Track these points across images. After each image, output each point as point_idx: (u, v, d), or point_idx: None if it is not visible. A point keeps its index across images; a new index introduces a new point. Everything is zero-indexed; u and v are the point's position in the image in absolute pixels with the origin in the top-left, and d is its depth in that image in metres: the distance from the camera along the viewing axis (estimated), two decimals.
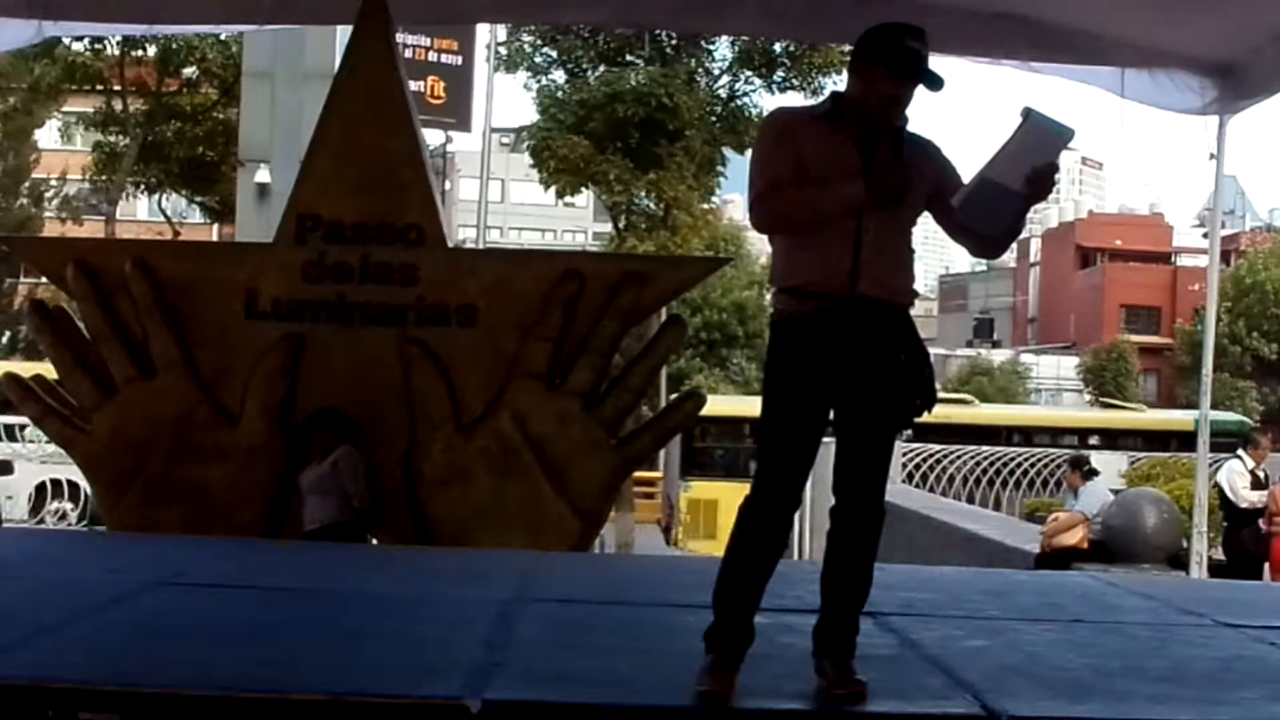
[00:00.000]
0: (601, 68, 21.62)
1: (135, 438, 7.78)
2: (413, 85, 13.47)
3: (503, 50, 22.71)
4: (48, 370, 8.38)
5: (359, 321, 7.86)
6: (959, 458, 20.83)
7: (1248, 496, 11.67)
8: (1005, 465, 20.64)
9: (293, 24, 12.69)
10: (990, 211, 3.73)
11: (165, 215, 26.97)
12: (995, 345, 64.75)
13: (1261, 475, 11.88)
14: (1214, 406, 10.26)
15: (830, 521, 3.91)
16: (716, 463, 23.87)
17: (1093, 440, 24.35)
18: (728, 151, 22.71)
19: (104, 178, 25.06)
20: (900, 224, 3.86)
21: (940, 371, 59.87)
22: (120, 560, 6.27)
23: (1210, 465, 10.14)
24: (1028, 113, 3.66)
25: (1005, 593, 6.14)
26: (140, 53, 22.68)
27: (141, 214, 34.79)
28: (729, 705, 3.72)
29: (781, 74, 21.63)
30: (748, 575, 3.84)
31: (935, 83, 3.78)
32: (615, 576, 7.00)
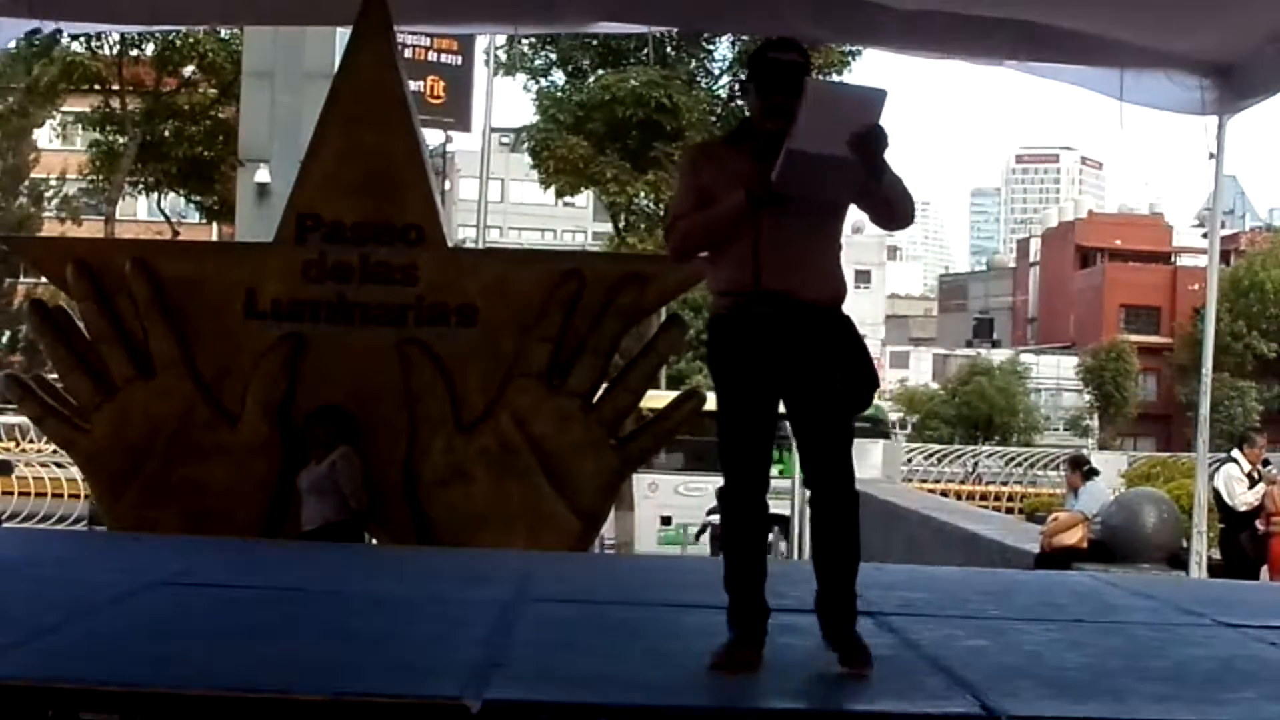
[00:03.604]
0: (600, 69, 21.62)
1: (135, 438, 7.77)
2: (413, 85, 13.48)
3: (501, 54, 22.71)
4: None
5: (359, 321, 7.85)
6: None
7: (1245, 499, 11.66)
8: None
9: (293, 24, 12.70)
10: (820, 179, 3.91)
11: (165, 215, 26.95)
12: (995, 345, 64.81)
13: (1258, 475, 11.86)
14: (1213, 406, 10.25)
15: (810, 510, 4.29)
16: None
17: None
18: None
19: (101, 177, 25.02)
20: (810, 224, 4.08)
21: (940, 371, 59.95)
22: (120, 560, 6.27)
23: (1210, 465, 10.13)
24: (805, 83, 3.91)
25: (1005, 593, 6.14)
26: (138, 52, 22.66)
27: (141, 214, 34.77)
28: (736, 682, 3.89)
29: None
30: (742, 552, 4.14)
31: (794, 89, 3.93)
32: (615, 576, 7.00)
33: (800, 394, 4.07)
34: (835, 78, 20.83)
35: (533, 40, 21.75)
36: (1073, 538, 10.12)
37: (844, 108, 3.89)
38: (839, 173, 3.90)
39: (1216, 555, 11.30)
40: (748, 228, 4.00)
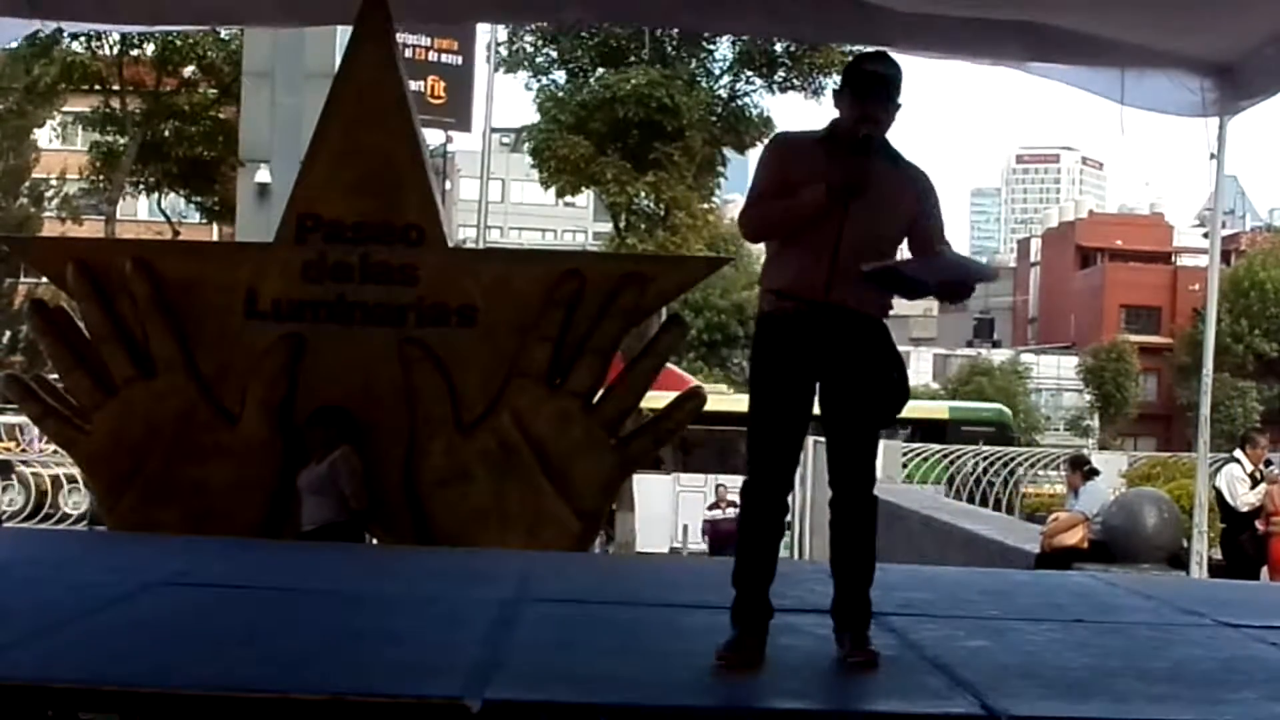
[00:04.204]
0: (601, 69, 21.62)
1: (135, 438, 7.78)
2: (413, 85, 13.44)
3: (503, 51, 22.72)
4: None
5: (359, 321, 7.85)
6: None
7: (1247, 500, 11.64)
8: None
9: (293, 24, 12.70)
10: (899, 289, 4.21)
11: (165, 215, 26.93)
12: (995, 345, 64.80)
13: (1260, 475, 11.85)
14: (1214, 407, 10.23)
15: (831, 512, 4.26)
16: None
17: None
18: (728, 152, 22.73)
19: (101, 177, 25.02)
20: (879, 242, 4.17)
21: (940, 371, 59.96)
22: (120, 560, 6.27)
23: (1210, 465, 10.12)
24: (942, 250, 4.22)
25: (1005, 593, 6.14)
26: (138, 52, 22.66)
27: (141, 214, 34.75)
28: (737, 682, 3.92)
29: (782, 74, 21.64)
30: (755, 550, 4.19)
31: (885, 98, 4.18)
32: (615, 576, 7.00)
33: (842, 401, 4.16)
34: (835, 77, 20.86)
35: (534, 38, 21.76)
36: (1073, 538, 10.10)
37: (955, 266, 4.25)
38: (917, 291, 4.21)
39: (1217, 555, 11.28)
40: (828, 236, 4.04)
